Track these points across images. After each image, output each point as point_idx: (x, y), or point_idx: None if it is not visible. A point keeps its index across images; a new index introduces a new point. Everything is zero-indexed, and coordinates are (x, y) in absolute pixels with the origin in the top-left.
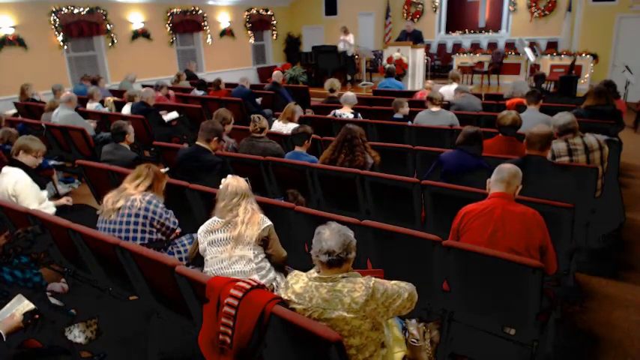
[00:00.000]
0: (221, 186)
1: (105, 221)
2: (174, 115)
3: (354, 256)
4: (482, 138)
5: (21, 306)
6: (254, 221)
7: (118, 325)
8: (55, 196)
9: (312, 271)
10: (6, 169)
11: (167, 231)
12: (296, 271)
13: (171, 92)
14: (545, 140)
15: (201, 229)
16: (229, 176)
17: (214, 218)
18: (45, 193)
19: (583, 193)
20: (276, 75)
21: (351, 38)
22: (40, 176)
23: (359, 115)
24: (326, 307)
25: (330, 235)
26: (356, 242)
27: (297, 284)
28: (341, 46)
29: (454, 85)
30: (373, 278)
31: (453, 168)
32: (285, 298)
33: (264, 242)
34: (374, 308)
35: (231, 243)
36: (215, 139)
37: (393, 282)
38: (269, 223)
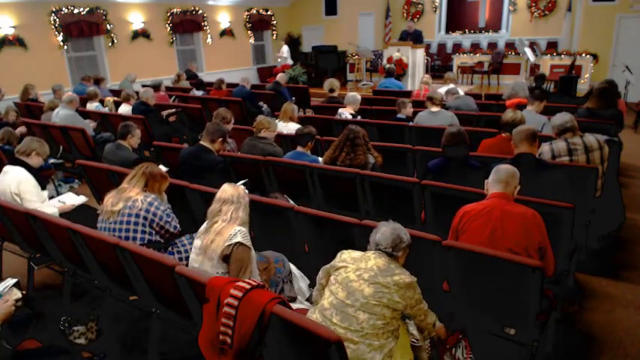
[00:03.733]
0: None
1: (104, 221)
2: (170, 110)
3: (401, 255)
4: (468, 137)
5: (10, 295)
6: (224, 232)
7: (118, 325)
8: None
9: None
10: (8, 167)
11: (166, 234)
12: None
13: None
14: (530, 135)
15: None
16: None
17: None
18: (45, 193)
19: (578, 192)
20: (281, 76)
21: (283, 52)
22: (41, 176)
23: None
24: (378, 273)
25: (384, 231)
26: (409, 244)
27: (354, 253)
28: (279, 61)
29: (450, 87)
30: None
31: (442, 172)
32: (339, 260)
33: (226, 260)
34: (410, 296)
35: (201, 255)
36: (220, 140)
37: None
38: (239, 239)
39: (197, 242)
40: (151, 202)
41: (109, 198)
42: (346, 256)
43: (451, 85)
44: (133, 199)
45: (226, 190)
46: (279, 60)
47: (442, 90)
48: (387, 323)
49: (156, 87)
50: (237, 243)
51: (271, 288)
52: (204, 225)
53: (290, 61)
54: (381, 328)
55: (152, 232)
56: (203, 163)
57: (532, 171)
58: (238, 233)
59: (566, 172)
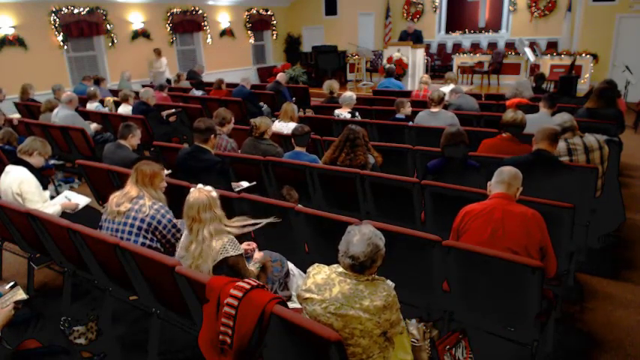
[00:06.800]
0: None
1: (109, 221)
2: (170, 110)
3: (379, 264)
4: (467, 137)
5: (15, 295)
6: (210, 251)
7: (118, 325)
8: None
9: (336, 265)
10: (9, 167)
11: (167, 244)
12: (318, 263)
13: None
14: (553, 135)
15: None
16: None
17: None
18: (47, 193)
19: (584, 193)
20: (281, 76)
21: (162, 63)
22: (42, 176)
23: (357, 114)
24: (344, 303)
25: (358, 241)
26: (384, 250)
27: (319, 275)
28: (150, 74)
29: (450, 86)
30: (394, 291)
31: (441, 172)
32: (304, 287)
33: (217, 271)
34: (387, 319)
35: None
36: (212, 136)
37: None
38: (230, 254)
39: (184, 262)
40: (157, 209)
41: (114, 198)
42: (311, 282)
43: (452, 85)
44: (140, 204)
45: (191, 198)
46: (150, 74)
47: (444, 89)
48: (367, 348)
49: (162, 88)
50: (228, 257)
51: (267, 284)
52: (183, 239)
53: (168, 75)
54: (361, 354)
55: (153, 239)
56: (201, 164)
57: (549, 169)
58: (227, 246)
59: (573, 172)
